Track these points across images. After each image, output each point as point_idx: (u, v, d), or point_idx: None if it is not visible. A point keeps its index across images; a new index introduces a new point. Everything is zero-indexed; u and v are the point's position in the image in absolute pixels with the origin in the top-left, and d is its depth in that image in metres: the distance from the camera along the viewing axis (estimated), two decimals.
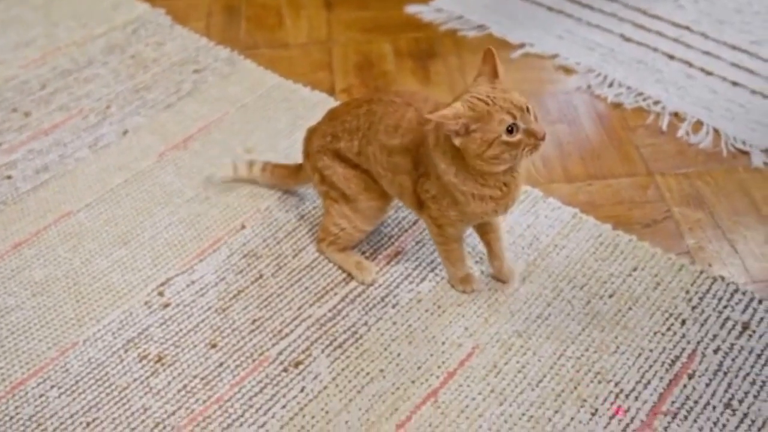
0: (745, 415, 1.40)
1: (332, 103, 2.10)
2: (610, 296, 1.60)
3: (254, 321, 1.62)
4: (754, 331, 1.52)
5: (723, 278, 1.60)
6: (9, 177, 1.98)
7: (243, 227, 1.81)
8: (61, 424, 1.48)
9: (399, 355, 1.53)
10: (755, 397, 1.43)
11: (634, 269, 1.64)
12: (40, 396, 1.53)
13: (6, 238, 1.83)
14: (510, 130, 1.30)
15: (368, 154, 1.54)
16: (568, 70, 2.20)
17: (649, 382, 1.46)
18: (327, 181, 1.62)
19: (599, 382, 1.46)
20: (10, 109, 2.18)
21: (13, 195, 1.94)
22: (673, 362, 1.49)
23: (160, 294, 1.68)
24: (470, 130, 1.31)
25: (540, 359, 1.51)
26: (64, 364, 1.58)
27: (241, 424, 1.45)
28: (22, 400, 1.52)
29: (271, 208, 1.85)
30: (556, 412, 1.43)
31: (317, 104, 2.10)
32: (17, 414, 1.50)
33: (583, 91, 2.12)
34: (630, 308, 1.58)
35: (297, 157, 1.90)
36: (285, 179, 1.83)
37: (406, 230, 1.77)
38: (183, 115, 2.11)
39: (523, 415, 1.43)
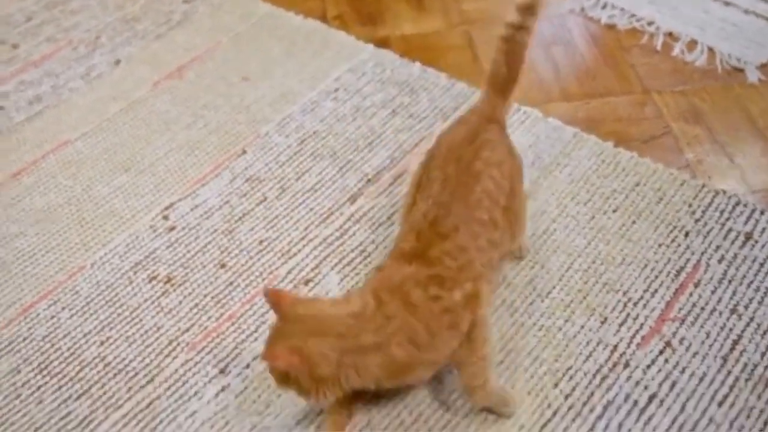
0: (751, 319, 1.44)
1: (326, 31, 2.09)
2: (614, 211, 1.62)
3: (261, 242, 1.62)
4: (756, 241, 1.55)
5: (725, 192, 1.63)
6: (2, 108, 1.96)
7: (244, 152, 1.80)
8: (75, 343, 1.49)
9: None
10: (759, 303, 1.46)
11: (637, 184, 1.67)
12: (52, 317, 1.53)
13: (4, 167, 1.81)
14: None
15: None
16: None
17: (656, 291, 1.49)
18: None
19: (607, 292, 1.49)
20: None
21: (7, 125, 1.91)
22: (679, 272, 1.52)
23: (165, 218, 1.68)
24: None
25: (548, 272, 1.53)
26: (73, 286, 1.57)
27: (255, 339, 1.46)
28: (34, 322, 1.52)
29: (271, 133, 1.84)
30: (567, 321, 1.45)
31: (310, 32, 2.09)
32: (31, 335, 1.50)
33: (576, 13, 2.13)
34: (634, 222, 1.60)
35: (291, 85, 1.89)
36: None
37: (407, 152, 1.77)
38: (175, 44, 2.09)
39: (534, 324, 1.45)
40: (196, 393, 1.40)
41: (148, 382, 1.42)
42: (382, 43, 2.04)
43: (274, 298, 1.23)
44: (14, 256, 1.64)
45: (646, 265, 1.53)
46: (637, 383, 1.37)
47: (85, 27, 2.16)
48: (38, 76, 2.03)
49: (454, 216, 1.30)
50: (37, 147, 1.85)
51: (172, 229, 1.66)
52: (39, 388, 1.43)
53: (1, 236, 1.68)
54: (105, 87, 1.99)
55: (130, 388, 1.42)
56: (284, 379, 1.22)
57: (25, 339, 1.50)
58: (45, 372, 1.45)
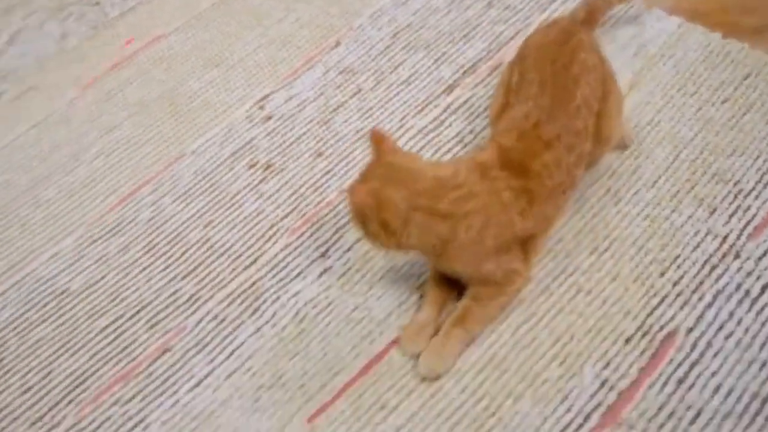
0: None
1: None
2: (723, 102, 1.56)
3: (357, 131, 1.61)
4: None
5: None
6: (97, 3, 1.97)
7: (337, 44, 1.78)
8: (179, 226, 1.52)
9: None
10: None
11: (747, 76, 1.60)
12: (154, 203, 1.56)
13: (101, 61, 1.84)
14: None
15: None
16: None
17: None
18: None
19: (716, 183, 1.45)
20: None
21: (102, 20, 1.93)
22: None
23: (261, 108, 1.68)
24: None
25: (653, 162, 1.49)
26: (172, 174, 1.60)
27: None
28: (139, 206, 1.56)
29: (364, 25, 1.82)
30: (673, 210, 1.42)
31: None
32: (135, 218, 1.54)
33: None
34: (745, 113, 1.54)
35: None
36: None
37: (504, 44, 1.72)
38: None
39: (639, 214, 1.42)
40: (298, 275, 1.42)
41: (251, 264, 1.45)
42: None
43: (377, 140, 1.25)
44: (114, 145, 1.67)
45: (758, 156, 1.48)
46: (749, 273, 1.33)
47: None
48: None
49: (556, 123, 1.28)
50: (131, 42, 1.86)
51: (269, 118, 1.66)
52: (147, 267, 1.47)
53: (99, 128, 1.71)
54: None
55: (233, 269, 1.44)
56: (358, 216, 1.24)
57: (130, 222, 1.54)
58: (151, 252, 1.49)
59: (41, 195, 1.60)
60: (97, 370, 1.35)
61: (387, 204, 1.20)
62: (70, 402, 1.31)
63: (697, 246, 1.37)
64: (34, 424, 1.30)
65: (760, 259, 1.34)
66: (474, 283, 1.31)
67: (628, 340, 1.28)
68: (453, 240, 1.23)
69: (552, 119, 1.29)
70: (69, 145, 1.68)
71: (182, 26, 1.87)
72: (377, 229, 1.23)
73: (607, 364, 1.25)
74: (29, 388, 1.34)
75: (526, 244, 1.30)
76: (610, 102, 1.37)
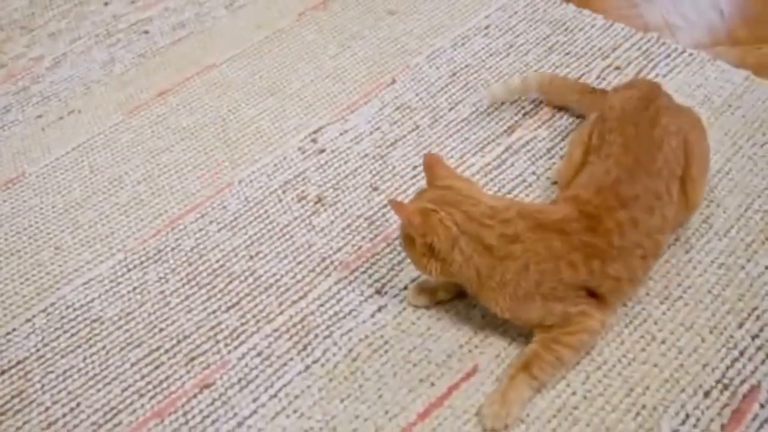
0: None
1: None
2: None
3: (415, 167, 1.55)
4: None
5: None
6: (146, 32, 1.94)
7: (393, 81, 1.74)
8: (224, 255, 1.44)
9: None
10: None
11: None
12: (200, 230, 1.48)
13: (149, 87, 1.79)
14: None
15: None
16: None
17: None
18: None
19: None
20: None
21: (152, 48, 1.89)
22: None
23: (314, 141, 1.62)
24: None
25: (725, 211, 1.42)
26: (220, 201, 1.53)
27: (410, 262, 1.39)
28: (182, 234, 1.48)
29: (421, 64, 1.77)
30: (749, 260, 1.34)
31: None
32: (178, 245, 1.47)
33: None
34: None
35: (440, 20, 1.83)
36: (568, 94, 1.59)
37: None
38: None
39: (713, 262, 1.35)
40: (351, 312, 1.34)
41: (301, 298, 1.37)
42: None
43: (431, 164, 1.24)
44: (160, 170, 1.61)
45: None
46: None
47: None
48: (182, 4, 2.01)
49: (637, 183, 1.24)
50: (182, 69, 1.83)
51: (322, 151, 1.60)
52: (187, 297, 1.39)
53: (147, 151, 1.65)
54: (249, 16, 1.95)
55: (281, 303, 1.36)
56: (404, 235, 1.22)
57: (172, 249, 1.47)
58: (193, 282, 1.41)
59: (78, 218, 1.54)
60: (130, 404, 1.26)
61: (437, 226, 1.16)
62: None
63: None
64: None
65: None
66: (528, 328, 1.23)
67: (707, 394, 1.19)
68: (490, 277, 1.18)
69: (632, 179, 1.25)
70: (111, 168, 1.62)
71: (235, 56, 1.83)
72: (422, 250, 1.18)
73: (686, 419, 1.16)
74: (52, 423, 1.25)
75: (596, 298, 1.22)
76: (694, 165, 1.32)
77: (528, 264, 1.17)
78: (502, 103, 1.63)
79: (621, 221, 1.22)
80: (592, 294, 1.22)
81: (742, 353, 1.23)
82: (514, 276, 1.17)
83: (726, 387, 1.19)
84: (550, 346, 1.20)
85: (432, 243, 1.17)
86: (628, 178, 1.26)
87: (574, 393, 1.20)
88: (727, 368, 1.22)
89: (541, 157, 1.54)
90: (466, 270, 1.19)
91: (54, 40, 1.94)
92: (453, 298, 1.32)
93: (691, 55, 1.72)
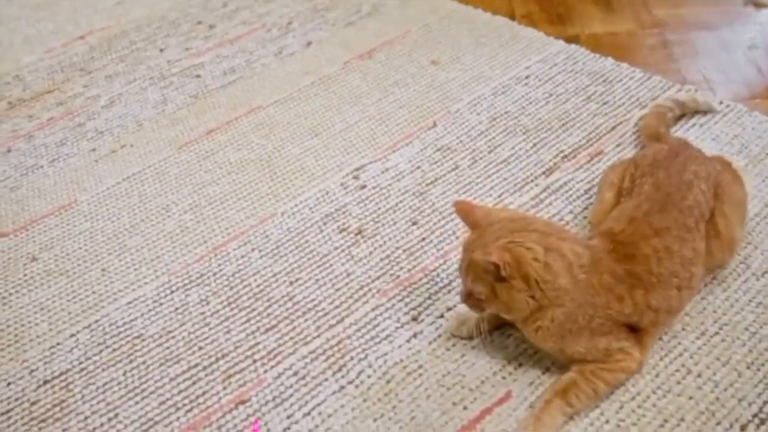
0: None
1: (515, 27, 2.07)
2: None
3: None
4: None
5: None
6: (198, 76, 2.02)
7: (434, 125, 1.79)
8: (265, 281, 1.47)
9: None
10: None
11: None
12: (242, 257, 1.52)
13: (199, 125, 1.86)
14: None
15: None
16: (758, 4, 2.13)
17: None
18: None
19: None
20: (195, 21, 2.22)
21: (203, 91, 1.97)
22: None
23: (356, 177, 1.67)
24: None
25: (762, 253, 1.43)
26: (263, 231, 1.57)
27: (448, 292, 1.42)
28: (224, 260, 1.52)
29: (462, 110, 1.82)
30: None
31: (499, 26, 2.08)
32: (220, 270, 1.50)
33: None
34: None
35: (482, 70, 1.89)
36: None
37: (603, 134, 1.71)
38: (365, 31, 2.12)
39: (750, 301, 1.35)
40: (387, 336, 1.36)
41: (338, 323, 1.39)
42: (571, 40, 2.02)
43: (464, 208, 1.24)
44: (206, 200, 1.66)
45: None
46: None
47: (278, 14, 2.23)
48: (233, 52, 2.09)
49: (668, 215, 1.27)
50: (230, 110, 1.90)
51: (363, 187, 1.64)
52: (227, 318, 1.42)
53: (195, 183, 1.71)
54: (296, 63, 2.02)
55: (318, 327, 1.39)
56: (493, 287, 1.18)
57: (215, 274, 1.50)
58: (233, 305, 1.44)
59: (126, 243, 1.59)
60: (166, 417, 1.28)
61: (524, 252, 1.15)
62: None
63: None
64: None
65: None
66: (568, 362, 1.23)
67: (743, 428, 1.18)
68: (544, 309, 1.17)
69: (664, 211, 1.28)
70: (159, 197, 1.68)
71: (282, 99, 1.90)
72: (520, 287, 1.16)
73: None
74: None
75: (636, 332, 1.23)
76: (726, 203, 1.35)
77: (591, 302, 1.18)
78: (540, 148, 1.67)
79: (657, 248, 1.24)
80: (633, 329, 1.22)
81: None
82: (565, 312, 1.18)
83: (763, 422, 1.19)
84: (588, 377, 1.21)
85: (528, 273, 1.15)
86: (659, 210, 1.29)
87: (607, 422, 1.20)
88: (765, 403, 1.21)
89: (578, 198, 1.57)
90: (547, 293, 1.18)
91: (110, 82, 2.03)
92: (492, 330, 1.33)
93: (728, 106, 1.75)
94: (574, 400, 1.19)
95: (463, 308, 1.31)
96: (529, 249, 1.15)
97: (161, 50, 2.12)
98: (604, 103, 1.79)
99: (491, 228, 1.21)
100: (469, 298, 1.23)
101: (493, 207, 1.30)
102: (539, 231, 1.19)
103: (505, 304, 1.19)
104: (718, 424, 1.19)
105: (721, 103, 1.76)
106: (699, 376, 1.25)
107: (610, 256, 1.23)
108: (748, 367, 1.25)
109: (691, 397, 1.22)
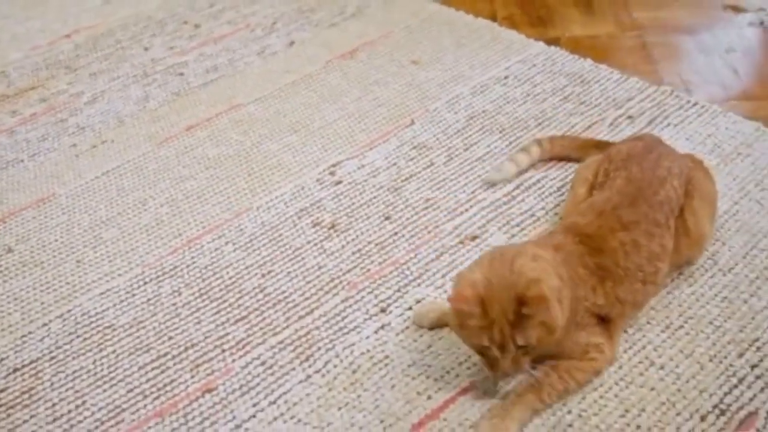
0: None
1: (496, 29, 2.09)
2: None
3: (427, 200, 1.60)
4: None
5: None
6: (181, 74, 2.04)
7: (412, 123, 1.80)
8: (237, 273, 1.48)
9: None
10: None
11: None
12: (216, 249, 1.54)
13: (179, 121, 1.88)
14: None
15: None
16: (737, 9, 2.15)
17: None
18: None
19: None
20: (181, 21, 2.25)
21: (185, 88, 1.99)
22: None
23: (332, 173, 1.68)
24: None
25: (730, 249, 1.44)
26: (238, 224, 1.58)
27: (418, 285, 1.43)
28: (198, 252, 1.53)
29: (440, 109, 1.84)
30: (752, 295, 1.35)
31: (480, 28, 2.10)
32: (194, 263, 1.51)
33: (755, 26, 2.06)
34: None
35: (461, 70, 1.90)
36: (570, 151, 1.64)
37: (579, 134, 1.72)
38: (348, 32, 2.14)
39: (716, 296, 1.36)
40: (355, 328, 1.37)
41: (307, 314, 1.40)
42: (552, 42, 2.03)
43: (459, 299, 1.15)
44: (183, 195, 1.67)
45: None
46: None
47: (262, 14, 2.25)
48: (216, 51, 2.11)
49: (637, 209, 1.28)
50: (211, 107, 1.92)
51: (339, 183, 1.66)
52: (198, 309, 1.43)
53: (173, 178, 1.72)
54: (279, 63, 2.04)
55: (288, 318, 1.40)
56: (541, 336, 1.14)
57: (188, 266, 1.51)
58: (205, 296, 1.45)
59: (102, 235, 1.60)
60: (134, 404, 1.29)
61: (542, 294, 1.10)
62: None
63: None
64: None
65: None
66: (549, 360, 1.23)
67: (703, 418, 1.19)
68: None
69: (633, 205, 1.29)
70: (137, 191, 1.69)
71: (262, 97, 1.92)
72: (540, 334, 1.13)
73: None
74: (57, 418, 1.28)
75: (605, 324, 1.24)
76: (695, 198, 1.36)
77: (575, 296, 1.19)
78: (515, 147, 1.68)
79: (624, 242, 1.25)
80: (602, 320, 1.24)
81: (741, 381, 1.23)
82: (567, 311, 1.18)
83: (723, 412, 1.19)
84: (562, 375, 1.21)
85: (553, 316, 1.12)
86: (629, 204, 1.30)
87: (569, 411, 1.21)
88: (725, 394, 1.21)
89: (550, 194, 1.58)
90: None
91: (94, 79, 2.05)
92: None
93: (703, 107, 1.76)
94: (546, 396, 1.20)
95: (426, 299, 1.32)
96: (546, 287, 1.12)
97: (146, 49, 2.14)
98: (581, 103, 1.81)
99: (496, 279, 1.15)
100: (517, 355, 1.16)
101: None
102: (545, 268, 1.16)
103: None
104: (679, 414, 1.19)
105: (696, 104, 1.77)
106: (662, 368, 1.26)
107: (578, 249, 1.24)
108: (710, 360, 1.26)
109: (653, 389, 1.23)
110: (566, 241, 1.26)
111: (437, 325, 1.34)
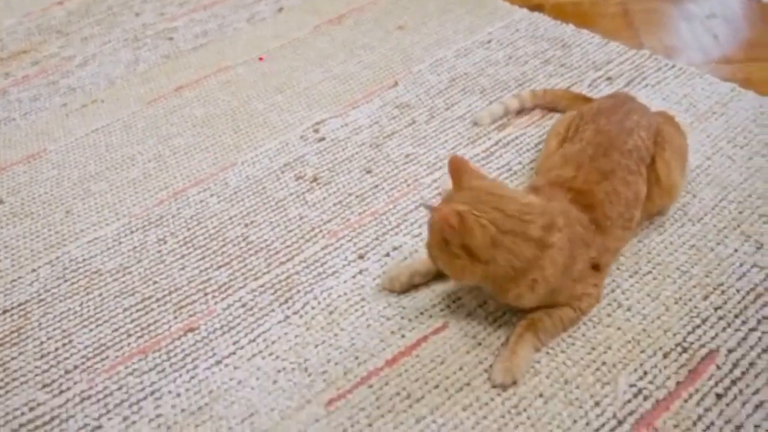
0: None
1: None
2: None
3: (408, 155, 1.64)
4: None
5: None
6: (171, 38, 2.07)
7: (396, 84, 1.84)
8: (221, 223, 1.53)
9: None
10: None
11: None
12: (201, 201, 1.58)
13: (168, 83, 1.92)
14: None
15: None
16: None
17: None
18: None
19: (764, 223, 1.42)
20: None
21: (174, 52, 2.02)
22: None
23: (316, 131, 1.72)
24: None
25: (700, 201, 1.48)
26: (223, 178, 1.62)
27: (396, 233, 1.47)
28: (184, 203, 1.57)
29: (423, 71, 1.88)
30: (719, 243, 1.39)
31: None
32: (179, 213, 1.56)
33: None
34: None
35: (446, 35, 1.94)
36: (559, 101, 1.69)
37: None
38: None
39: (684, 243, 1.40)
40: (333, 273, 1.41)
41: (288, 260, 1.44)
42: (536, 8, 2.07)
43: (457, 165, 1.23)
44: (170, 151, 1.71)
45: None
46: None
47: None
48: (206, 17, 2.15)
49: (611, 158, 1.32)
50: (199, 69, 1.96)
51: (322, 139, 1.70)
52: (183, 256, 1.47)
53: (160, 135, 1.76)
54: (267, 28, 2.08)
55: (269, 264, 1.44)
56: (438, 238, 1.20)
57: (174, 216, 1.56)
58: (189, 244, 1.50)
59: (91, 188, 1.64)
60: (118, 342, 1.34)
61: (472, 225, 1.16)
62: (84, 370, 1.29)
63: (743, 276, 1.33)
64: (45, 387, 1.28)
65: None
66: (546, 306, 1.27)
67: (666, 355, 1.23)
68: (537, 269, 1.20)
69: (606, 155, 1.33)
70: (126, 148, 1.73)
71: (251, 60, 1.96)
72: (458, 254, 1.18)
73: (644, 375, 1.20)
74: (45, 355, 1.33)
75: (595, 271, 1.29)
76: (667, 150, 1.39)
77: (572, 251, 1.22)
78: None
79: (608, 191, 1.30)
80: (594, 267, 1.29)
81: (704, 321, 1.27)
82: (561, 265, 1.21)
83: (685, 350, 1.23)
84: (555, 319, 1.26)
85: (469, 245, 1.17)
86: (603, 154, 1.34)
87: (538, 350, 1.25)
88: (689, 334, 1.26)
89: (528, 151, 1.62)
90: (506, 268, 1.19)
91: (85, 43, 2.09)
92: (429, 281, 1.38)
93: (681, 69, 1.80)
94: (543, 337, 1.25)
95: (395, 264, 1.37)
96: (482, 226, 1.16)
97: (137, 14, 2.18)
98: (562, 65, 1.84)
99: (465, 192, 1.21)
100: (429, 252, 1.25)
101: (484, 174, 1.31)
102: (506, 212, 1.19)
103: (444, 264, 1.22)
104: (643, 351, 1.23)
105: (674, 66, 1.80)
106: (628, 309, 1.30)
107: (573, 206, 1.28)
108: (675, 303, 1.30)
109: (619, 328, 1.27)
110: (556, 196, 1.29)
111: (408, 287, 1.37)
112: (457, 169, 1.23)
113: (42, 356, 1.32)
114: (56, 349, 1.33)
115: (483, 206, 1.18)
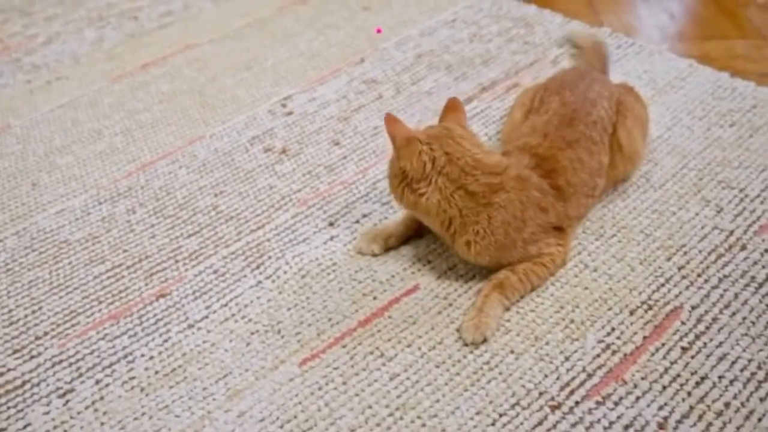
0: None
1: None
2: (731, 126, 1.61)
3: (375, 128, 1.65)
4: None
5: None
6: (135, 18, 2.07)
7: (362, 61, 1.86)
8: (190, 193, 1.53)
9: None
10: None
11: (754, 106, 1.65)
12: (170, 173, 1.58)
13: (134, 60, 1.91)
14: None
15: None
16: None
17: None
18: None
19: (723, 188, 1.47)
20: None
21: (139, 31, 2.02)
22: None
23: (283, 105, 1.74)
24: None
25: (662, 169, 1.52)
26: (191, 151, 1.63)
27: (365, 201, 1.48)
28: (153, 176, 1.58)
29: (389, 48, 1.90)
30: (681, 208, 1.43)
31: None
32: (148, 184, 1.56)
33: None
34: (751, 135, 1.58)
35: (411, 14, 1.96)
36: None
37: (522, 70, 1.79)
38: None
39: (647, 208, 1.44)
40: (304, 240, 1.42)
41: (258, 228, 1.45)
42: None
43: (453, 105, 1.34)
44: (137, 125, 1.71)
45: (764, 169, 1.50)
46: (755, 263, 1.33)
47: None
48: None
49: (576, 128, 1.37)
50: (165, 47, 1.96)
51: (290, 114, 1.71)
52: (152, 226, 1.47)
53: (127, 110, 1.76)
54: (233, 7, 2.09)
55: (240, 232, 1.45)
56: (392, 159, 1.29)
57: (142, 188, 1.55)
58: (159, 214, 1.50)
59: (57, 162, 1.63)
60: (89, 308, 1.33)
61: (413, 153, 1.24)
62: (55, 336, 1.29)
63: (704, 237, 1.37)
64: (15, 352, 1.27)
65: (766, 251, 1.34)
66: (499, 268, 1.31)
67: (632, 312, 1.26)
68: (474, 223, 1.25)
69: (571, 125, 1.37)
70: (92, 122, 1.73)
71: (217, 38, 1.96)
72: (396, 172, 1.27)
73: (611, 332, 1.23)
74: (14, 322, 1.32)
75: (557, 231, 1.32)
76: (629, 118, 1.44)
77: (515, 212, 1.26)
78: (461, 82, 1.74)
79: (572, 159, 1.34)
80: (555, 228, 1.32)
81: (668, 280, 1.31)
82: (501, 224, 1.25)
83: (650, 307, 1.27)
84: (521, 276, 1.29)
85: (404, 169, 1.25)
86: (568, 124, 1.38)
87: (507, 308, 1.27)
88: (653, 292, 1.29)
89: (494, 123, 1.65)
90: (446, 209, 1.26)
91: (49, 23, 2.07)
92: (402, 244, 1.40)
93: (641, 46, 1.84)
94: (510, 295, 1.27)
95: (370, 228, 1.40)
96: (420, 156, 1.25)
97: None
98: (525, 43, 1.88)
99: (436, 128, 1.32)
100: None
101: (465, 125, 1.36)
102: (453, 158, 1.26)
103: (390, 184, 1.30)
104: (609, 309, 1.27)
105: (634, 43, 1.85)
106: (595, 270, 1.33)
107: (535, 171, 1.31)
108: (640, 263, 1.34)
109: (586, 288, 1.30)
110: (523, 161, 1.33)
111: (384, 249, 1.39)
112: (449, 108, 1.34)
113: (11, 323, 1.31)
114: (26, 316, 1.32)
115: (437, 144, 1.26)
